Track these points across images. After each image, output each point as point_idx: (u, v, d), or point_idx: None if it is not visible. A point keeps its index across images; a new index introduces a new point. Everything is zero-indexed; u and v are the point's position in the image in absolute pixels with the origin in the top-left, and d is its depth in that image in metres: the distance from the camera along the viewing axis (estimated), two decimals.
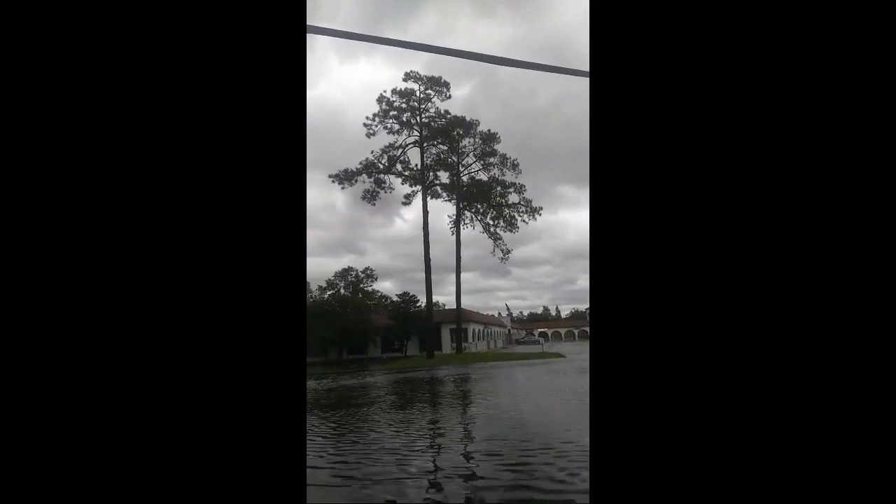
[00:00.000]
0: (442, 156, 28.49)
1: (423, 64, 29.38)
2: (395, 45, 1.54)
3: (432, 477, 3.70)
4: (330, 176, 27.43)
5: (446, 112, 27.88)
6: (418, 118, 27.78)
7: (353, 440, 5.19)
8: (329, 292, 30.68)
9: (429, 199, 27.45)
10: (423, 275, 26.67)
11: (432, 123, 27.83)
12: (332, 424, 6.35)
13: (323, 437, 5.38)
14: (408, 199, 28.38)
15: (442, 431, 5.59)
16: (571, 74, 1.48)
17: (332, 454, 4.47)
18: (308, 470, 3.97)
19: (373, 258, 65.22)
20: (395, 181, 28.18)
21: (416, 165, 27.98)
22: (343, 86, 52.82)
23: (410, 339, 28.19)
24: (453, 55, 1.75)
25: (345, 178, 27.19)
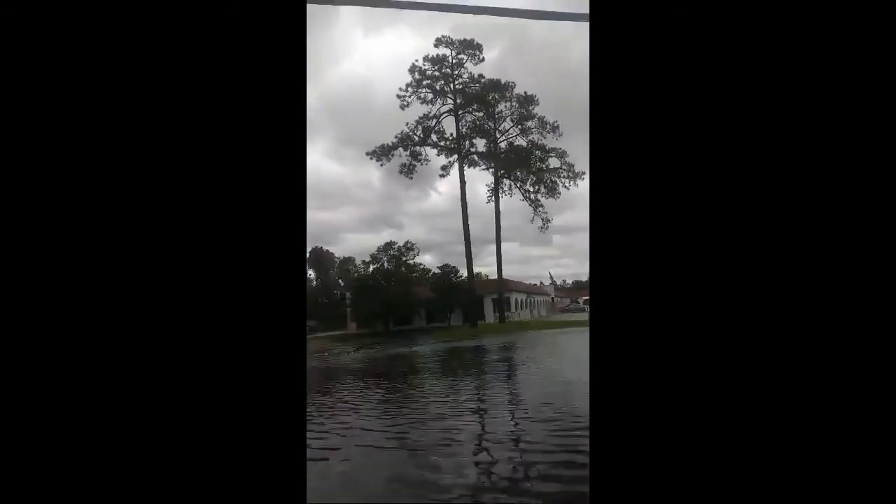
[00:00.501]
0: (478, 122, 27.86)
1: (448, 29, 28.08)
2: (418, 8, 1.48)
3: (480, 444, 3.78)
4: (367, 153, 27.56)
5: (480, 76, 27.09)
6: (452, 85, 27.19)
7: (399, 407, 5.37)
8: (373, 266, 31.40)
9: (466, 168, 27.14)
10: (461, 247, 26.72)
11: (466, 89, 27.17)
12: (381, 391, 6.58)
13: (363, 406, 5.59)
14: (445, 171, 28.13)
15: (489, 397, 5.69)
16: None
17: (382, 420, 4.65)
18: (363, 433, 4.14)
19: (410, 232, 65.64)
20: (431, 153, 27.93)
21: (452, 135, 27.63)
22: (368, 60, 51.96)
23: (454, 310, 28.58)
24: (480, 13, 1.66)
25: (381, 153, 27.22)
